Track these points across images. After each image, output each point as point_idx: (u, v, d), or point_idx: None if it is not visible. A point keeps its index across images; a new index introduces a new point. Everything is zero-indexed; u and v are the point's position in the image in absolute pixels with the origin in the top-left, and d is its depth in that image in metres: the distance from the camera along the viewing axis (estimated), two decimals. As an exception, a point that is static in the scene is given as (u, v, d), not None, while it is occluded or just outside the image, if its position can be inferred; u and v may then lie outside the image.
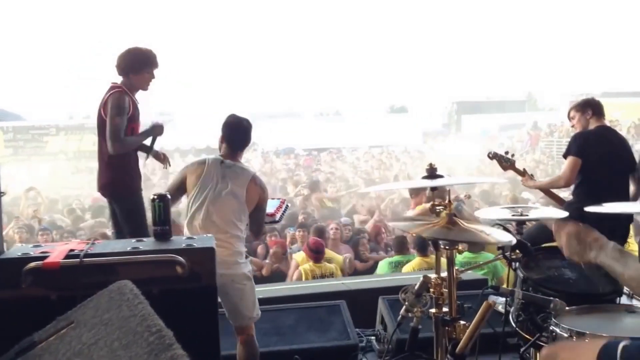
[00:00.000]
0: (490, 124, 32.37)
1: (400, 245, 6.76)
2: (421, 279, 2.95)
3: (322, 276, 6.49)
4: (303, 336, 4.60)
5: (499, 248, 3.05)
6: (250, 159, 21.50)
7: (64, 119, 30.34)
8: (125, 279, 2.46)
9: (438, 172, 3.09)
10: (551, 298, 2.57)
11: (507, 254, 3.03)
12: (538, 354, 2.77)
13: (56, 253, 2.74)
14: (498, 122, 32.23)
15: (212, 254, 2.91)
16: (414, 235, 4.60)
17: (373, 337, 5.04)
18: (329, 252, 6.93)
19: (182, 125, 27.19)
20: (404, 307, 2.96)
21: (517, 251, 3.01)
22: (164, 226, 3.04)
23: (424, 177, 3.08)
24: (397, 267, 6.64)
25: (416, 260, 6.38)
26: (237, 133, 4.03)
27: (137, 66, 4.65)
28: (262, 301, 4.82)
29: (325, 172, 16.48)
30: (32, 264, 2.65)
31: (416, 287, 2.93)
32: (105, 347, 1.72)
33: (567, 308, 2.57)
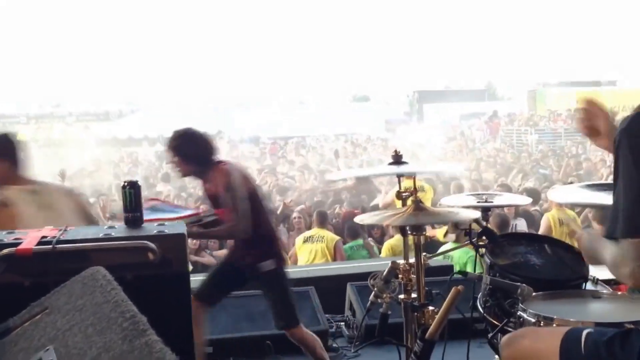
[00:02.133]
0: (451, 113, 32.75)
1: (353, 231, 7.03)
2: (389, 265, 3.01)
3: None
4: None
5: (465, 234, 3.12)
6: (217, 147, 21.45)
7: (34, 108, 29.99)
8: (98, 265, 2.48)
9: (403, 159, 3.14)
10: (518, 284, 2.65)
11: (474, 240, 3.10)
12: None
13: (29, 239, 2.72)
14: (459, 111, 32.64)
15: (183, 240, 2.92)
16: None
17: (342, 323, 5.11)
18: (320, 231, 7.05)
19: (149, 113, 26.95)
20: (373, 293, 3.02)
21: (484, 237, 3.08)
22: (135, 213, 3.04)
23: (390, 164, 3.12)
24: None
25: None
26: None
27: None
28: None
29: (289, 160, 16.51)
30: (5, 251, 2.63)
31: (385, 274, 2.99)
32: (79, 333, 1.73)
33: (534, 294, 2.64)
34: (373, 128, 28.20)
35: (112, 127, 26.10)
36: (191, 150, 4.05)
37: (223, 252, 7.29)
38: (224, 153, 18.98)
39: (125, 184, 3.05)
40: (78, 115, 28.41)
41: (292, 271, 6.00)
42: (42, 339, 1.78)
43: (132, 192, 3.04)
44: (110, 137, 24.70)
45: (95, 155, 20.44)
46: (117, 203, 9.37)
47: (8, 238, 2.80)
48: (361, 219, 3.19)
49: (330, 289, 5.40)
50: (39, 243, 2.71)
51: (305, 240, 6.94)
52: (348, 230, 7.31)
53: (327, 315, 4.92)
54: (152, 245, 2.78)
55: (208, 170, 4.04)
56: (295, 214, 8.10)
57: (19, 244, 2.69)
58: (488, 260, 2.99)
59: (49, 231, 2.89)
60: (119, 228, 3.00)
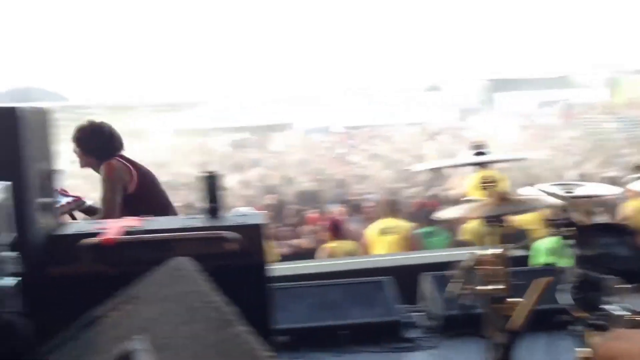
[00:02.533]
0: (525, 101, 31.91)
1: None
2: (470, 255, 2.94)
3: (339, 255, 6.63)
4: (348, 311, 4.65)
5: (553, 224, 3.01)
6: (287, 136, 21.63)
7: (109, 99, 30.91)
8: (178, 255, 2.51)
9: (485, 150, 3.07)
10: (608, 276, 2.54)
11: (560, 230, 2.99)
12: (590, 333, 2.74)
13: (112, 229, 2.79)
14: (533, 100, 31.79)
15: (262, 231, 2.94)
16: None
17: (418, 314, 5.05)
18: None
19: (221, 104, 27.31)
20: (454, 284, 2.96)
21: (570, 228, 2.97)
22: (214, 203, 3.08)
23: (475, 154, 3.06)
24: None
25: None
26: None
27: None
28: (309, 276, 4.90)
29: (362, 150, 16.45)
30: (89, 240, 2.71)
31: (465, 264, 2.93)
32: (168, 323, 1.75)
33: (622, 286, 2.53)
34: (446, 117, 27.76)
35: (185, 118, 26.59)
36: (91, 144, 4.29)
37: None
38: (294, 144, 19.20)
39: (205, 174, 3.10)
40: (151, 106, 29.04)
41: (366, 261, 6.00)
42: (131, 327, 1.81)
43: (211, 182, 3.09)
44: (183, 127, 25.18)
45: (169, 145, 20.89)
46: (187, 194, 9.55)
47: (91, 228, 2.89)
48: (444, 213, 3.14)
49: (405, 278, 5.34)
50: (122, 233, 2.79)
51: (382, 232, 6.88)
52: (423, 220, 7.21)
53: (401, 306, 4.87)
54: (233, 235, 2.82)
55: (103, 163, 4.22)
56: (368, 203, 8.06)
57: (103, 233, 2.77)
58: (575, 251, 2.88)
59: (132, 221, 2.96)
60: (199, 218, 3.06)
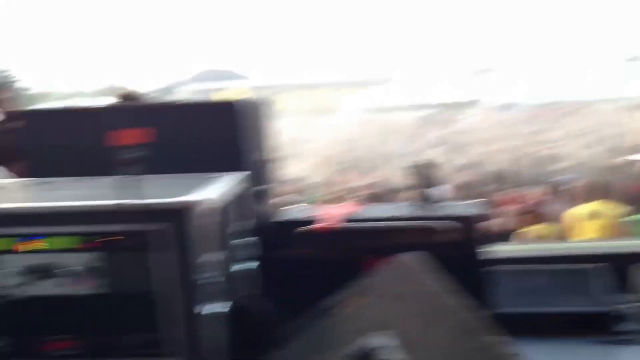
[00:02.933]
0: None
1: None
2: None
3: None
4: (553, 299, 4.38)
5: None
6: (475, 113, 21.00)
7: (297, 78, 32.01)
8: (398, 244, 2.44)
9: None
10: None
11: None
12: None
13: (331, 216, 2.78)
14: None
15: (483, 220, 2.81)
16: None
17: (630, 306, 4.63)
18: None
19: (408, 81, 27.09)
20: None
21: None
22: (430, 191, 2.97)
23: None
24: None
25: None
26: None
27: None
28: (511, 260, 4.66)
29: (559, 128, 15.54)
30: (305, 227, 2.72)
31: None
32: (411, 322, 1.68)
33: None
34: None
35: (372, 95, 26.78)
36: None
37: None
38: (478, 121, 18.57)
39: (419, 161, 3.00)
40: (338, 84, 29.61)
41: (572, 247, 5.63)
42: (371, 322, 1.76)
43: (428, 170, 2.98)
44: (370, 105, 25.37)
45: (358, 123, 21.14)
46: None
47: (307, 214, 2.90)
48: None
49: (615, 268, 4.91)
50: (342, 220, 2.76)
51: (589, 216, 6.43)
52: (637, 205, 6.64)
53: (612, 297, 4.48)
54: (451, 225, 2.70)
55: None
56: (571, 184, 7.56)
57: (321, 219, 2.77)
58: None
59: (349, 207, 2.94)
60: (415, 206, 2.95)
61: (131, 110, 2.84)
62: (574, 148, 11.60)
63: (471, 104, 24.69)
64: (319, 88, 30.31)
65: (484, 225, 2.79)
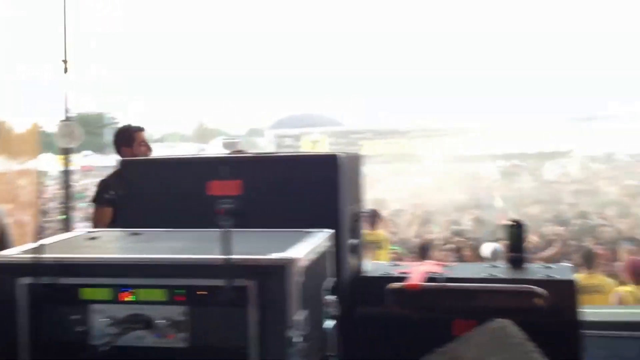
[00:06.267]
0: None
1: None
2: None
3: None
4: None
5: None
6: (565, 165, 20.43)
7: (379, 124, 32.30)
8: (481, 306, 2.42)
9: None
10: None
11: None
12: None
13: (416, 274, 2.78)
14: None
15: (574, 287, 2.72)
16: None
17: None
18: None
19: (492, 129, 26.74)
20: None
21: None
22: (519, 253, 2.94)
23: None
24: None
25: None
26: None
27: None
28: (600, 326, 4.47)
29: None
30: (394, 284, 2.73)
31: None
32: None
33: None
34: None
35: (455, 143, 26.55)
36: None
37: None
38: (573, 173, 17.96)
39: (512, 222, 2.97)
40: (423, 130, 29.59)
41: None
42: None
43: (517, 231, 2.95)
44: (453, 153, 25.13)
45: (441, 171, 20.96)
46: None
47: (395, 271, 2.91)
48: None
49: None
50: (426, 279, 2.76)
51: None
52: None
53: None
54: (540, 290, 2.64)
55: None
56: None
57: (406, 277, 2.77)
58: None
59: (433, 266, 2.93)
60: (502, 268, 2.92)
61: (234, 162, 2.94)
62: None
63: (561, 154, 24.02)
64: (403, 133, 30.35)
65: (575, 292, 2.72)
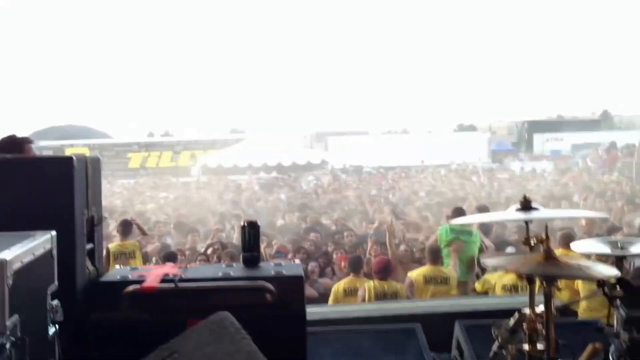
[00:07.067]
0: (562, 143, 31.62)
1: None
2: (516, 314, 2.85)
3: (387, 295, 6.44)
4: (379, 359, 4.56)
5: (598, 285, 2.90)
6: (319, 176, 21.64)
7: (144, 137, 31.93)
8: (217, 304, 2.50)
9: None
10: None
11: (607, 290, 2.89)
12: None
13: (152, 277, 2.79)
14: (570, 141, 31.44)
15: (301, 282, 2.92)
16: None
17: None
18: None
19: (253, 143, 27.60)
20: (497, 343, 2.88)
21: (619, 288, 2.86)
22: (253, 252, 3.07)
23: (518, 210, 2.97)
24: None
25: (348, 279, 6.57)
26: None
27: None
28: (337, 321, 4.82)
29: (400, 191, 16.32)
30: (131, 288, 2.71)
31: (510, 323, 2.84)
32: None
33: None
34: (479, 159, 27.54)
35: (217, 156, 26.91)
36: None
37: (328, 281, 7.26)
38: (322, 182, 19.13)
39: (245, 224, 3.10)
40: (185, 143, 29.66)
41: (399, 307, 5.90)
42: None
43: (251, 231, 3.07)
44: (215, 165, 25.44)
45: (201, 183, 21.07)
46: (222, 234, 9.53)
47: (132, 275, 2.89)
48: (487, 261, 3.12)
49: (437, 326, 5.22)
50: (162, 281, 2.78)
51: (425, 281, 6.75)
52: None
53: (432, 354, 4.77)
54: (269, 286, 2.80)
55: None
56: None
57: (143, 281, 2.77)
58: (624, 314, 2.78)
59: (170, 269, 2.96)
60: (237, 267, 3.04)
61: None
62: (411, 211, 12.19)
63: (315, 166, 25.50)
64: (168, 146, 30.15)
65: (302, 287, 2.90)
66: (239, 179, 21.49)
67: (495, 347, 2.87)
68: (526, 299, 2.86)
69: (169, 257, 6.95)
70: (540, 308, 2.77)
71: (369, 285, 6.41)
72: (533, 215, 2.88)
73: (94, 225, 2.95)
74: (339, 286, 6.60)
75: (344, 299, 6.53)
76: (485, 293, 6.42)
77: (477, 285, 6.64)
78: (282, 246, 8.09)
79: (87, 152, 25.57)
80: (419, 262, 7.44)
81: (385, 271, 6.48)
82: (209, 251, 7.40)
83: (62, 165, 2.68)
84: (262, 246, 5.56)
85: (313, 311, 5.32)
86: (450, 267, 7.18)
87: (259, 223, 3.19)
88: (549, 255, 2.64)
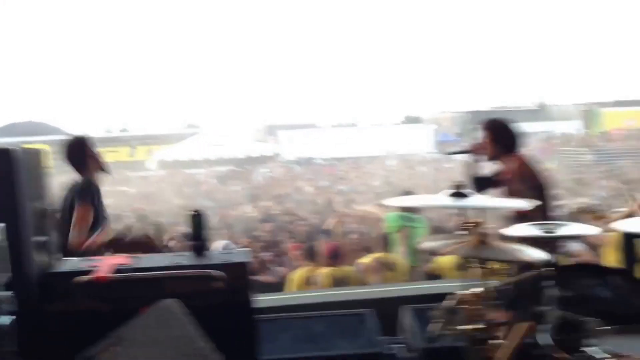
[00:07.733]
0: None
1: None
2: (455, 295, 2.99)
3: (339, 279, 6.59)
4: (332, 343, 4.68)
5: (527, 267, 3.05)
6: (272, 168, 21.69)
7: (102, 132, 31.43)
8: (168, 292, 2.56)
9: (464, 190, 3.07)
10: (587, 318, 2.59)
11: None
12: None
13: (104, 267, 2.84)
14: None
15: (248, 269, 3.00)
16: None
17: (398, 346, 5.09)
18: None
19: (208, 136, 27.49)
20: (437, 323, 3.01)
21: (550, 268, 3.02)
22: (201, 241, 3.13)
23: (451, 195, 3.06)
24: None
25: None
26: None
27: None
28: (293, 308, 4.92)
29: (350, 182, 16.49)
30: (82, 278, 2.76)
31: (449, 304, 2.97)
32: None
33: (603, 328, 2.57)
34: (425, 149, 27.98)
35: (173, 150, 26.73)
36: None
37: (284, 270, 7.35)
38: (275, 174, 19.20)
39: (193, 212, 3.15)
40: (141, 138, 29.40)
41: (351, 292, 6.03)
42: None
43: (198, 220, 3.14)
44: (171, 159, 25.30)
45: (158, 178, 20.88)
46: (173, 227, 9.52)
47: (84, 265, 2.92)
48: (425, 244, 3.25)
49: (386, 310, 5.38)
50: (114, 270, 2.83)
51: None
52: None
53: (383, 338, 4.91)
54: (219, 273, 2.87)
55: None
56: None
57: (95, 271, 2.82)
58: (555, 293, 2.94)
59: (123, 259, 3.01)
60: (187, 256, 3.11)
61: None
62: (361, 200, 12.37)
63: (268, 159, 25.55)
64: (123, 142, 29.80)
65: (248, 273, 2.98)
66: (197, 173, 21.40)
67: (435, 327, 3.00)
68: (472, 282, 2.99)
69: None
70: (477, 289, 2.93)
71: (322, 272, 6.54)
72: (463, 202, 2.99)
73: (43, 218, 2.96)
74: (299, 275, 6.69)
75: (305, 287, 6.62)
76: (437, 276, 6.62)
77: (429, 267, 6.84)
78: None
79: (48, 149, 24.98)
80: (368, 250, 7.60)
81: (336, 257, 6.65)
82: (171, 243, 7.41)
83: (1, 158, 2.70)
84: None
85: (271, 299, 5.46)
86: (400, 253, 7.37)
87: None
88: (482, 240, 2.77)
